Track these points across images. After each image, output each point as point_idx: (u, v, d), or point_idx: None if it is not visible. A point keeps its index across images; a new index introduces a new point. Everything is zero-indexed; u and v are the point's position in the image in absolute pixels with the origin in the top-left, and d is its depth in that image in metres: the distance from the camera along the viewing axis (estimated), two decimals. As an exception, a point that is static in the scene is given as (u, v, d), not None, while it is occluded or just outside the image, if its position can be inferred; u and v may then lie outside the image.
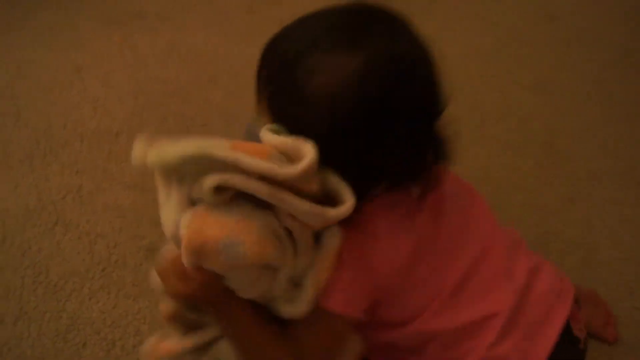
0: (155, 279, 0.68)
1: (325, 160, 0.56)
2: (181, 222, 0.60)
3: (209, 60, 1.39)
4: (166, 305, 0.70)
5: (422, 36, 0.66)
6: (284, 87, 0.62)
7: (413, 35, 0.64)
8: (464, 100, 1.35)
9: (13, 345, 0.96)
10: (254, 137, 0.61)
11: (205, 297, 0.63)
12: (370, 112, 0.59)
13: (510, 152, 1.25)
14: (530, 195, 1.18)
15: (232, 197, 0.58)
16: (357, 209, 0.58)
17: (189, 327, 0.71)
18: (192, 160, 0.57)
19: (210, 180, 0.56)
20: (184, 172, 0.60)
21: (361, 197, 0.59)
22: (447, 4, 1.54)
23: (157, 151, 0.60)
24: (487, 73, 1.40)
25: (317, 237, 0.63)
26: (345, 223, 0.61)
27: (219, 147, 0.55)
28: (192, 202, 0.61)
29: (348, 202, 0.57)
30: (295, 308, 0.64)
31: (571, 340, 0.72)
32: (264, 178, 0.55)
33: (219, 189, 0.56)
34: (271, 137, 0.58)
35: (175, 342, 0.71)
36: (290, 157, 0.57)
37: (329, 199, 0.59)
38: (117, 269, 1.05)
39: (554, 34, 1.50)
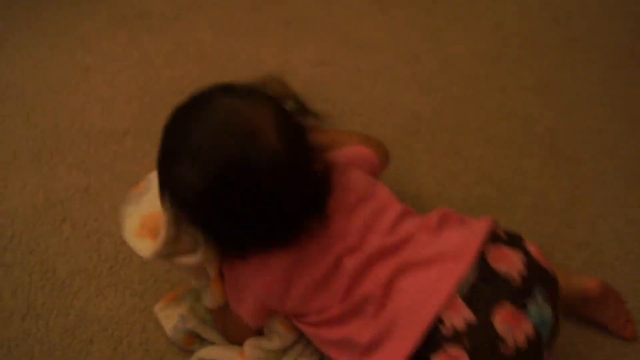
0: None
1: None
2: None
3: (215, 59, 1.40)
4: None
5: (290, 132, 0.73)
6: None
7: (269, 142, 0.69)
8: (468, 101, 1.35)
9: (21, 341, 0.97)
10: None
11: None
12: (209, 208, 0.71)
13: (515, 153, 1.26)
14: (534, 196, 1.18)
15: None
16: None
17: None
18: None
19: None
20: None
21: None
22: (449, 4, 1.55)
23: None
24: (490, 74, 1.41)
25: None
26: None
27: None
28: None
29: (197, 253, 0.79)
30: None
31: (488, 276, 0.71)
32: None
33: None
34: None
35: None
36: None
37: None
38: (124, 267, 1.06)
39: (558, 35, 1.50)
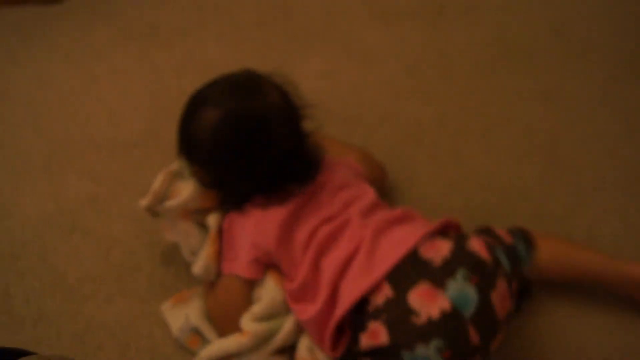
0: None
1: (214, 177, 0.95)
2: None
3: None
4: None
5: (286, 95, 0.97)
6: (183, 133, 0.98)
7: (269, 98, 0.94)
8: (469, 111, 1.37)
9: (32, 347, 0.97)
10: None
11: None
12: (226, 150, 0.91)
13: (515, 161, 1.27)
14: (534, 204, 1.20)
15: None
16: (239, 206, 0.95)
17: None
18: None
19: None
20: None
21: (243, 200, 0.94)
22: (453, 16, 1.57)
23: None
24: (492, 84, 1.43)
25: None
26: (232, 211, 0.95)
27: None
28: None
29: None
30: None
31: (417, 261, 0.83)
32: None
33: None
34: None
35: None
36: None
37: None
38: (132, 275, 1.09)
39: (558, 45, 1.52)
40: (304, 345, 0.93)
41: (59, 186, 1.20)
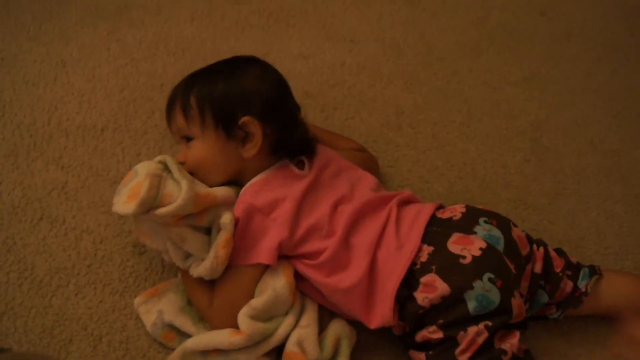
0: None
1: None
2: None
3: (197, 53, 1.38)
4: None
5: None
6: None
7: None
8: (451, 95, 1.35)
9: (-1, 341, 0.96)
10: None
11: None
12: (284, 97, 1.03)
13: (498, 148, 1.26)
14: (517, 191, 1.18)
15: None
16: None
17: None
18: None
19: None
20: None
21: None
22: (435, -4, 1.54)
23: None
24: (474, 67, 1.40)
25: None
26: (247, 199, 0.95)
27: None
28: None
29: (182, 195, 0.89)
30: (196, 272, 0.92)
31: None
32: None
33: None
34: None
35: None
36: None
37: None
38: (103, 265, 1.05)
39: (543, 28, 1.50)
40: (292, 340, 0.91)
41: (25, 174, 1.15)
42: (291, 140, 0.98)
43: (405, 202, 1.00)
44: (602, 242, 1.12)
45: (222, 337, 0.90)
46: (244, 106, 0.95)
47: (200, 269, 0.92)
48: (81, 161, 1.17)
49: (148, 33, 1.41)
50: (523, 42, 1.47)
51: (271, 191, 0.95)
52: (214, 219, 0.93)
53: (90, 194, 1.13)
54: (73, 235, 1.08)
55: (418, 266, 0.89)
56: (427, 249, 0.90)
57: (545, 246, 0.98)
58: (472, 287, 0.85)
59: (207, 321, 0.96)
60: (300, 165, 1.00)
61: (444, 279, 0.86)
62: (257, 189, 0.96)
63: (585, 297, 0.96)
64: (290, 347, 0.90)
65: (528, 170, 1.22)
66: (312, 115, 1.28)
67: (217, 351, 0.91)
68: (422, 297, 0.86)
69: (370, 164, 1.13)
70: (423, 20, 1.50)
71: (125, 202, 0.88)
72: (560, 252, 0.99)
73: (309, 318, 0.93)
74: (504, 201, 1.17)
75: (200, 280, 0.95)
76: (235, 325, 0.91)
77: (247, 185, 0.97)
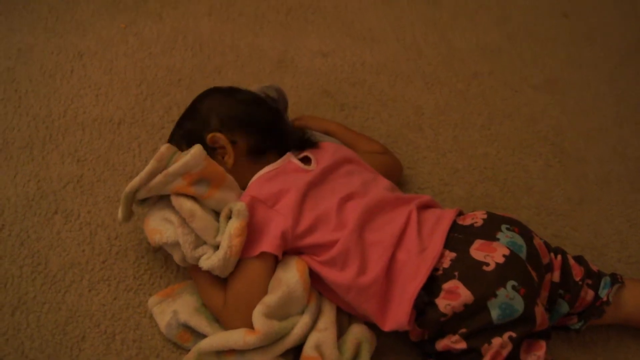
0: None
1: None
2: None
3: (214, 49, 1.36)
4: None
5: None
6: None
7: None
8: (472, 97, 1.33)
9: (11, 335, 0.94)
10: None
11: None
12: (269, 111, 1.06)
13: (519, 152, 1.24)
14: (539, 196, 1.16)
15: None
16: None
17: None
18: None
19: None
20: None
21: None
22: (456, -3, 1.52)
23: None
24: (495, 69, 1.38)
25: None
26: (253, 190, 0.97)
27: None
28: None
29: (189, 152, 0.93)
30: (209, 264, 0.90)
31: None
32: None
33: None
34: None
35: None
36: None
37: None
38: (118, 261, 1.03)
39: (566, 31, 1.48)
40: (310, 343, 0.89)
41: (40, 167, 1.14)
42: (270, 140, 1.02)
43: (425, 207, 0.98)
44: (625, 250, 1.09)
45: (236, 337, 0.88)
46: (205, 127, 1.01)
47: (213, 259, 0.89)
48: (97, 155, 1.16)
49: (166, 27, 1.40)
50: (545, 45, 1.45)
51: (275, 184, 0.96)
52: (220, 204, 0.94)
53: (106, 189, 1.11)
54: (88, 230, 1.07)
55: (440, 272, 0.87)
56: (450, 255, 0.88)
57: (564, 254, 0.96)
58: (495, 295, 0.83)
59: (222, 323, 0.94)
60: (307, 161, 1.01)
61: (467, 286, 0.84)
62: (261, 183, 0.97)
63: (607, 307, 0.94)
64: (308, 351, 0.89)
65: (550, 175, 1.20)
66: (332, 114, 1.26)
67: (233, 351, 0.90)
68: (444, 304, 0.85)
69: (392, 168, 1.11)
70: (444, 21, 1.48)
71: None
72: (580, 260, 0.97)
73: (327, 321, 0.92)
74: (526, 207, 1.15)
75: (212, 281, 0.94)
76: (250, 325, 0.89)
77: (252, 180, 0.99)
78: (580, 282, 0.94)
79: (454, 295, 0.84)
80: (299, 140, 1.06)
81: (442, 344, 0.86)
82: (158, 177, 0.92)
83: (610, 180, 1.20)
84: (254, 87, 1.11)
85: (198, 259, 0.92)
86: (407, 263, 0.88)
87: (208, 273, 0.93)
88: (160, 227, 0.95)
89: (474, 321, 0.83)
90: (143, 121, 1.22)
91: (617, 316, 0.96)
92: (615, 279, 0.96)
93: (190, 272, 0.99)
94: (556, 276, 0.93)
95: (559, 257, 0.95)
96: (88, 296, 1.00)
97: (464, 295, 0.83)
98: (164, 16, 1.42)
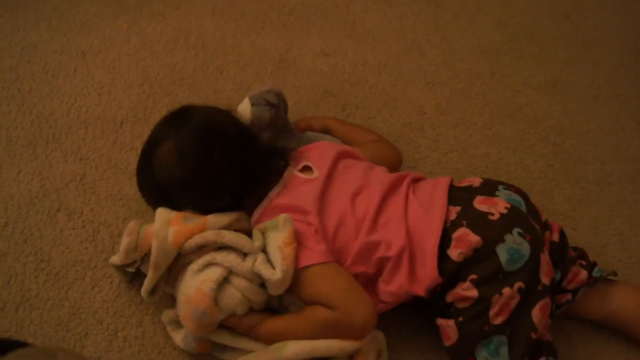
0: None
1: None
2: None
3: (217, 48, 1.37)
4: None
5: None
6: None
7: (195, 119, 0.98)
8: (473, 97, 1.33)
9: (14, 332, 0.95)
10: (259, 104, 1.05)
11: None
12: (202, 164, 0.93)
13: (520, 152, 1.24)
14: (539, 196, 1.17)
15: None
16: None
17: None
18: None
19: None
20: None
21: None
22: (458, -2, 1.53)
23: None
24: (496, 70, 1.39)
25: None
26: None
27: None
28: None
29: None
30: (270, 274, 0.85)
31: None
32: None
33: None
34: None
35: None
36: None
37: None
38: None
39: (567, 31, 1.48)
40: (372, 350, 0.89)
41: (43, 165, 1.14)
42: (250, 181, 0.95)
43: (418, 180, 1.01)
44: (625, 251, 1.10)
45: (332, 342, 0.86)
46: (169, 201, 0.94)
47: (273, 276, 0.84)
48: (100, 153, 1.17)
49: (168, 26, 1.40)
50: (545, 46, 1.45)
51: (285, 201, 0.95)
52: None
53: (108, 187, 1.12)
54: (90, 227, 1.07)
55: (448, 224, 0.89)
56: (455, 209, 0.91)
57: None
58: (503, 240, 0.85)
59: (349, 328, 0.87)
60: (307, 170, 0.99)
61: (476, 232, 0.86)
62: (274, 208, 0.95)
63: (600, 282, 0.96)
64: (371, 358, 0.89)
65: (551, 175, 1.21)
66: (333, 113, 1.27)
67: None
68: (456, 253, 0.86)
69: (390, 155, 1.11)
70: (445, 21, 1.48)
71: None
72: (575, 247, 1.00)
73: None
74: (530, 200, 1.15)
75: (280, 318, 0.91)
76: (371, 305, 0.88)
77: (261, 209, 0.96)
78: (574, 258, 0.97)
79: (464, 242, 0.86)
80: (293, 144, 1.05)
81: (452, 294, 0.87)
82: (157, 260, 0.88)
83: (610, 181, 1.20)
84: (253, 92, 1.08)
85: (252, 265, 0.87)
86: (418, 226, 0.91)
87: (263, 314, 0.91)
88: (199, 280, 0.87)
89: (484, 266, 0.85)
90: (145, 120, 1.22)
91: (602, 308, 0.97)
92: (609, 271, 0.98)
93: (259, 327, 0.91)
94: (555, 237, 0.95)
95: (557, 225, 0.98)
96: (91, 293, 1.00)
97: (474, 240, 0.86)
98: (166, 16, 1.42)
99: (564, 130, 1.28)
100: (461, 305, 0.87)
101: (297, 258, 0.87)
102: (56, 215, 1.08)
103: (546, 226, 0.96)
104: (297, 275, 0.88)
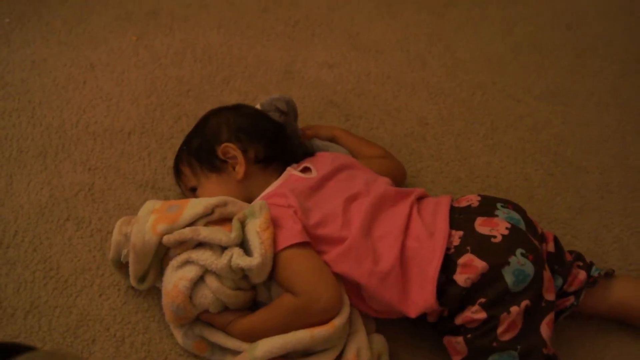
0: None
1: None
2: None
3: (223, 60, 1.40)
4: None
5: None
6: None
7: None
8: (475, 107, 1.35)
9: (23, 338, 0.97)
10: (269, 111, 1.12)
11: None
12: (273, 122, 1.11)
13: (521, 161, 1.25)
14: (540, 205, 1.18)
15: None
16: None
17: None
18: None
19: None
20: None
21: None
22: (461, 8, 1.54)
23: None
24: (499, 80, 1.40)
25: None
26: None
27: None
28: None
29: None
30: (249, 261, 0.86)
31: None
32: None
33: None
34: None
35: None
36: None
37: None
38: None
39: (568, 42, 1.49)
40: (353, 348, 0.90)
41: (53, 175, 1.17)
42: (277, 150, 1.06)
43: (421, 198, 1.02)
44: (626, 259, 1.10)
45: (300, 334, 0.86)
46: (215, 140, 1.05)
47: (252, 261, 0.86)
48: (108, 164, 1.19)
49: (175, 39, 1.43)
50: (548, 56, 1.47)
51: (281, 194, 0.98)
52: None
53: (116, 197, 1.14)
54: (99, 236, 1.09)
55: (452, 250, 0.90)
56: (457, 234, 0.92)
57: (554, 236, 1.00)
58: (508, 263, 0.87)
59: (311, 312, 0.88)
60: (307, 171, 1.04)
61: (481, 257, 0.88)
62: (268, 197, 0.98)
63: (601, 280, 0.97)
64: (350, 355, 0.90)
65: (551, 184, 1.22)
66: (337, 124, 1.28)
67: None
68: (463, 278, 0.87)
69: (395, 171, 1.13)
70: (448, 32, 1.50)
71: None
72: (571, 251, 1.02)
73: (357, 323, 0.93)
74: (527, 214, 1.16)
75: (249, 313, 0.93)
76: (339, 290, 0.89)
77: (256, 200, 0.99)
78: (572, 261, 0.98)
79: (471, 268, 0.88)
80: (301, 152, 1.10)
81: (461, 317, 0.89)
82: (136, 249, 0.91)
83: (611, 189, 1.21)
84: (264, 99, 1.13)
85: (229, 265, 0.88)
86: (420, 248, 0.91)
87: (237, 312, 0.93)
88: (177, 277, 0.90)
89: (492, 289, 0.87)
90: (153, 131, 1.25)
91: (605, 302, 0.99)
92: (607, 269, 0.99)
93: (232, 325, 0.93)
94: (551, 247, 0.97)
95: (551, 234, 0.99)
96: (98, 300, 1.02)
97: (480, 266, 0.87)
98: (174, 29, 1.45)
99: (565, 139, 1.29)
100: (470, 325, 0.88)
101: (276, 241, 0.89)
102: (65, 224, 1.10)
103: (542, 237, 0.97)
104: (274, 259, 0.89)
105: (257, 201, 0.93)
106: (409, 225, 0.94)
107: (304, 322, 0.88)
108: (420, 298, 0.89)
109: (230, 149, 1.03)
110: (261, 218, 0.89)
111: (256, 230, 0.88)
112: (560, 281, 0.96)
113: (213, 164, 1.04)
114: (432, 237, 0.92)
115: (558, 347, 0.96)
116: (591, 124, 1.32)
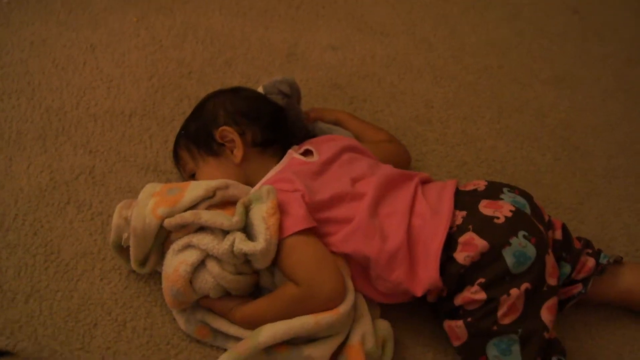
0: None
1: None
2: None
3: (225, 42, 1.38)
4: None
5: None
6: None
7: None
8: (481, 90, 1.33)
9: (24, 323, 0.96)
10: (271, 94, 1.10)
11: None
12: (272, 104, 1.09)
13: (527, 146, 1.24)
14: (546, 190, 1.17)
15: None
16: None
17: None
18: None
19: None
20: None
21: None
22: (466, -9, 1.52)
23: None
24: (504, 64, 1.39)
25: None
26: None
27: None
28: None
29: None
30: (253, 246, 0.84)
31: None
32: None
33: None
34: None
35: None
36: None
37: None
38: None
39: (575, 26, 1.48)
40: (358, 333, 0.89)
41: (53, 158, 1.15)
42: (276, 133, 1.04)
43: (425, 181, 1.02)
44: (633, 244, 1.10)
45: (302, 320, 0.85)
46: (213, 124, 1.03)
47: (256, 246, 0.84)
48: (109, 146, 1.17)
49: (177, 21, 1.41)
50: (554, 40, 1.45)
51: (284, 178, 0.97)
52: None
53: (117, 180, 1.13)
54: (99, 220, 1.08)
55: (454, 229, 0.90)
56: (461, 214, 0.92)
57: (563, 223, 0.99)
58: (509, 244, 0.86)
59: (314, 302, 0.87)
60: (308, 154, 1.03)
61: (482, 236, 0.87)
62: (271, 182, 0.97)
63: (609, 267, 0.97)
64: (354, 341, 0.89)
65: (558, 169, 1.21)
66: (341, 107, 1.27)
67: (285, 346, 0.88)
68: (463, 256, 0.87)
69: (400, 156, 1.12)
70: (454, 15, 1.48)
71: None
72: (579, 237, 1.01)
73: (362, 309, 0.92)
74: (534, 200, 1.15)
75: (252, 299, 0.93)
76: (342, 280, 0.88)
77: (259, 184, 0.98)
78: (580, 249, 0.97)
79: (471, 247, 0.87)
80: (303, 135, 1.09)
81: (460, 298, 0.88)
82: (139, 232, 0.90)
83: (617, 175, 1.20)
84: (267, 81, 1.12)
85: (231, 250, 0.86)
86: (424, 226, 0.91)
87: (238, 298, 0.92)
88: (178, 261, 0.90)
89: (491, 269, 0.86)
90: (154, 113, 1.23)
91: (613, 289, 0.99)
92: (615, 256, 0.99)
93: (234, 313, 0.93)
94: (558, 234, 0.96)
95: (559, 222, 0.98)
96: (100, 284, 1.01)
97: (480, 244, 0.87)
98: (175, 10, 1.43)
99: (572, 124, 1.28)
100: (470, 307, 0.88)
101: (281, 228, 0.87)
102: (66, 207, 1.09)
103: (549, 225, 0.96)
104: (278, 246, 0.88)
105: (264, 185, 0.91)
106: (414, 203, 0.95)
107: (306, 311, 0.86)
108: (425, 275, 0.89)
109: (228, 133, 1.02)
110: (268, 203, 0.88)
111: (262, 216, 0.87)
112: (568, 269, 0.95)
113: (211, 147, 1.03)
114: (436, 215, 0.92)
115: (564, 334, 0.95)
116: (598, 109, 1.31)
